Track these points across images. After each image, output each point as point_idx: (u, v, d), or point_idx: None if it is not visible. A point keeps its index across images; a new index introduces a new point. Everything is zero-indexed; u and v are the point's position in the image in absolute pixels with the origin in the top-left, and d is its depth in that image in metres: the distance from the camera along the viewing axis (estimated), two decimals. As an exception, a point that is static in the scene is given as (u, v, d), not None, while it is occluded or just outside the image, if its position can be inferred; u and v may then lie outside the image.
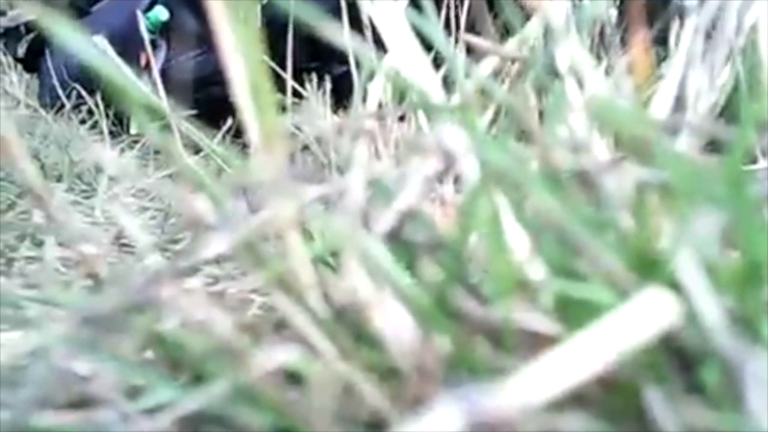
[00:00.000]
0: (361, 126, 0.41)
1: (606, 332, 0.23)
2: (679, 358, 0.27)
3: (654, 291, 0.23)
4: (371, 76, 0.55)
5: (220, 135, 1.06)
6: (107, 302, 0.31)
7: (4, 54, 1.99)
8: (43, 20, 0.30)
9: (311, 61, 1.33)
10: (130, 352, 0.33)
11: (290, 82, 1.07)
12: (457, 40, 0.51)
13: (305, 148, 0.86)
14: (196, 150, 0.74)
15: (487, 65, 0.48)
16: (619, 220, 0.30)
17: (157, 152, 1.23)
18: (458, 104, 0.37)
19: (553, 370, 0.22)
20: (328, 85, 1.12)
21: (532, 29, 0.49)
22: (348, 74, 0.84)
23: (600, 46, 0.61)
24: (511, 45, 0.50)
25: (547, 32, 0.41)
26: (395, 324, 0.30)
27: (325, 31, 0.35)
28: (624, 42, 0.44)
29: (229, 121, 1.03)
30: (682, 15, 0.44)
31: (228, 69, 0.32)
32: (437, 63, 0.42)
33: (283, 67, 1.05)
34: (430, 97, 0.39)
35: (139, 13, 1.49)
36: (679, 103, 0.42)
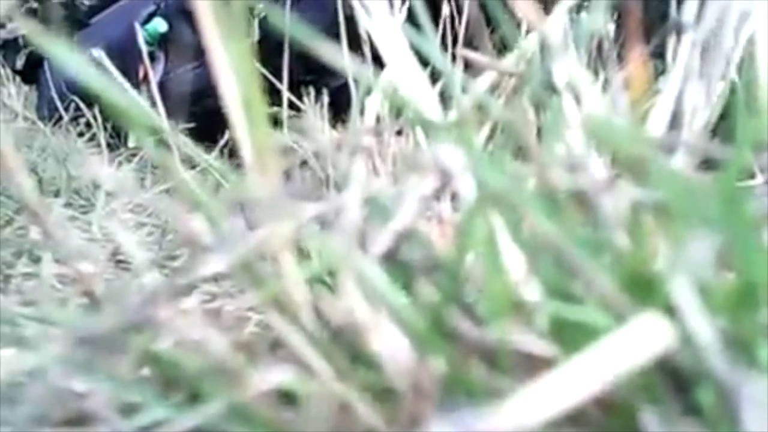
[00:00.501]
0: (358, 142, 0.41)
1: (602, 354, 0.23)
2: (675, 380, 0.27)
3: (649, 313, 0.23)
4: (369, 91, 0.55)
5: (218, 149, 1.07)
6: (104, 321, 0.31)
7: (3, 66, 2.00)
8: (39, 36, 0.30)
9: (308, 74, 1.33)
10: (126, 370, 0.33)
11: (288, 96, 1.07)
12: (454, 56, 0.51)
13: (303, 163, 0.86)
14: (194, 164, 0.74)
15: (484, 81, 0.48)
16: (615, 241, 0.30)
17: (155, 166, 1.23)
18: (455, 120, 0.37)
19: (549, 391, 0.22)
20: (326, 99, 1.12)
21: (530, 44, 0.49)
22: (346, 87, 0.84)
23: (597, 60, 0.61)
24: (508, 60, 0.51)
25: (544, 47, 0.41)
26: (391, 344, 0.30)
27: (322, 48, 0.35)
28: (621, 57, 0.44)
29: (228, 134, 1.03)
30: (679, 30, 0.44)
31: (221, 83, 0.32)
32: (434, 78, 0.42)
33: (281, 81, 1.05)
34: (427, 113, 0.39)
35: (137, 26, 1.49)
36: (676, 119, 0.42)
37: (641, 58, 0.41)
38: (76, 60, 0.31)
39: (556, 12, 0.43)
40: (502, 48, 0.50)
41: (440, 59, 0.41)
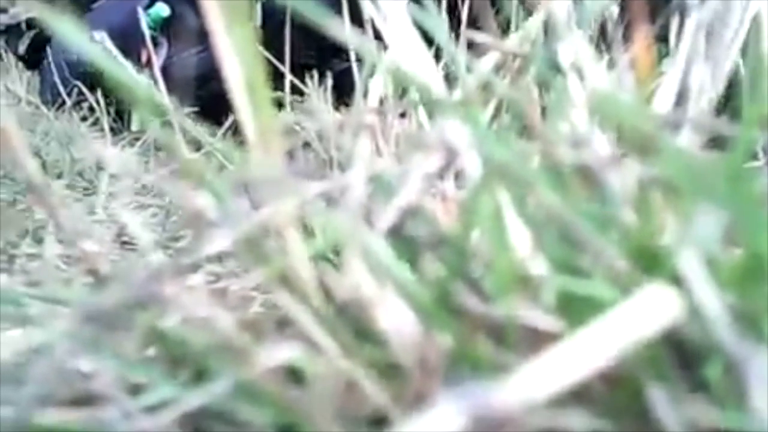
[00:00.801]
0: (362, 122, 0.41)
1: (608, 328, 0.23)
2: (682, 355, 0.27)
3: (656, 287, 0.23)
4: (372, 72, 0.55)
5: (221, 132, 1.06)
6: (109, 299, 0.31)
7: (6, 51, 2.00)
8: (44, 17, 0.30)
9: (311, 57, 1.33)
10: (132, 349, 0.33)
11: (290, 78, 1.07)
12: (458, 36, 0.51)
13: (306, 144, 0.86)
14: (198, 147, 0.74)
15: (489, 61, 0.48)
16: (621, 216, 0.30)
17: (158, 149, 1.24)
18: (460, 100, 0.37)
19: (555, 366, 0.22)
20: (330, 82, 1.12)
21: (534, 24, 0.49)
22: (349, 71, 0.84)
23: (602, 41, 0.61)
24: (512, 40, 0.50)
25: (549, 27, 0.41)
26: (397, 320, 0.30)
27: (326, 27, 0.34)
28: (626, 38, 0.44)
29: (231, 118, 1.03)
30: (683, 11, 0.44)
31: (224, 67, 0.32)
32: (438, 58, 0.42)
33: (284, 63, 1.05)
34: (432, 92, 0.39)
35: (140, 10, 1.49)
36: (681, 99, 0.41)
37: (646, 39, 0.41)
38: (81, 41, 0.31)
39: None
40: (507, 28, 0.50)
41: (445, 39, 0.41)
